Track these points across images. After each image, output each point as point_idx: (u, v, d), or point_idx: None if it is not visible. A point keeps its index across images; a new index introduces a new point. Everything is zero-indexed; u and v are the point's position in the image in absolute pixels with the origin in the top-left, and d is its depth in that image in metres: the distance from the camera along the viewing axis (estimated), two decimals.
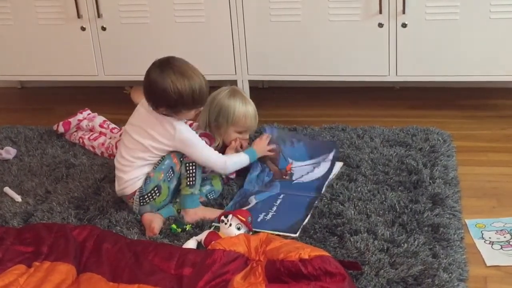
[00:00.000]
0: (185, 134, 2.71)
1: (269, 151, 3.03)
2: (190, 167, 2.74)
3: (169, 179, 2.73)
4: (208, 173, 2.92)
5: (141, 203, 2.75)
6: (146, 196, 2.73)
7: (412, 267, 2.31)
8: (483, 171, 3.01)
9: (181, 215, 2.75)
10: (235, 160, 2.86)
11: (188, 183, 2.75)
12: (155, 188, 2.72)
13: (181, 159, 2.73)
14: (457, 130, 3.37)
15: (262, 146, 2.97)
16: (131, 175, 2.75)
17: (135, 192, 2.75)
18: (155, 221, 2.67)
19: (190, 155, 2.73)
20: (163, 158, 2.73)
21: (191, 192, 2.75)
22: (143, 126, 2.73)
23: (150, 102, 2.71)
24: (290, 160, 3.05)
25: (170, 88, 2.64)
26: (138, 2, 3.66)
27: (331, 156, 3.03)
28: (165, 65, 2.69)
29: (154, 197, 2.74)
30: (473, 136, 3.34)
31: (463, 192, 2.82)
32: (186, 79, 2.67)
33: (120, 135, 3.36)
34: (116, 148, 3.28)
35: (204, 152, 2.75)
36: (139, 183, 2.74)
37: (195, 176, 2.74)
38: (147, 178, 2.73)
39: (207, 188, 2.87)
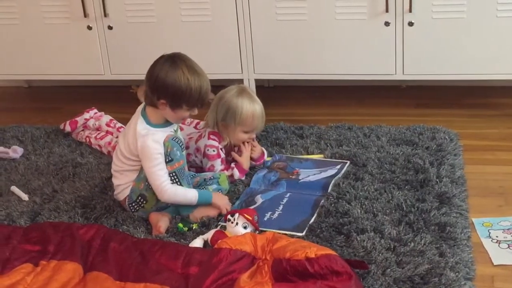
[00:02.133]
0: (147, 143, 2.66)
1: (279, 166, 3.07)
2: (173, 177, 2.71)
3: (150, 187, 2.71)
4: (215, 172, 2.93)
5: (132, 210, 2.77)
6: (134, 204, 2.75)
7: (419, 266, 2.30)
8: (490, 169, 3.01)
9: (187, 215, 2.75)
10: (179, 193, 2.70)
11: None
12: (139, 197, 2.74)
13: None
14: (464, 128, 3.36)
15: (221, 199, 2.78)
16: (119, 181, 2.79)
17: (125, 199, 2.78)
18: (161, 220, 2.67)
19: (143, 166, 2.69)
20: (141, 167, 2.73)
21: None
22: (126, 129, 2.78)
23: (152, 93, 2.69)
24: (297, 169, 3.06)
25: (180, 79, 2.63)
26: (144, 1, 3.66)
27: (339, 166, 3.03)
28: (177, 58, 2.69)
29: (142, 204, 2.75)
30: (480, 135, 3.33)
31: (470, 191, 2.82)
32: (197, 75, 2.67)
33: None
34: None
35: (154, 169, 2.66)
36: (127, 191, 2.77)
37: (180, 183, 2.72)
38: (132, 187, 2.75)
39: (213, 187, 2.86)
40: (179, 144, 2.70)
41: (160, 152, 2.66)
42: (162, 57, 2.72)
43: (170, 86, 2.64)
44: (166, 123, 2.74)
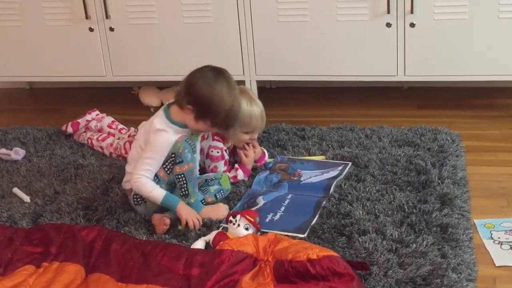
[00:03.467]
0: (158, 138, 2.69)
1: (280, 168, 3.08)
2: (181, 178, 2.71)
3: (159, 184, 2.72)
4: (217, 173, 2.93)
5: (135, 202, 2.77)
6: (139, 196, 2.75)
7: (421, 267, 2.30)
8: (492, 171, 3.01)
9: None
10: (145, 188, 2.68)
11: (182, 193, 2.73)
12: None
13: (166, 170, 2.71)
14: (466, 130, 3.36)
15: (187, 212, 2.69)
16: (132, 169, 2.76)
17: (131, 190, 2.77)
18: (162, 216, 2.68)
19: (145, 147, 2.73)
20: None
21: (187, 202, 2.73)
22: (148, 122, 2.78)
23: (184, 95, 2.68)
24: (298, 170, 3.06)
25: (215, 94, 2.65)
26: (146, 2, 3.66)
27: (340, 167, 3.03)
28: (221, 74, 2.72)
29: (145, 200, 2.75)
30: (482, 136, 3.33)
31: (472, 192, 2.81)
32: (233, 97, 2.69)
33: (129, 136, 3.37)
34: (124, 148, 3.29)
35: (145, 160, 2.69)
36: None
37: (186, 186, 2.72)
38: None
39: (215, 187, 2.86)
40: (191, 146, 2.70)
41: (162, 154, 2.68)
42: (207, 66, 2.75)
43: (203, 96, 2.65)
44: (185, 124, 2.74)
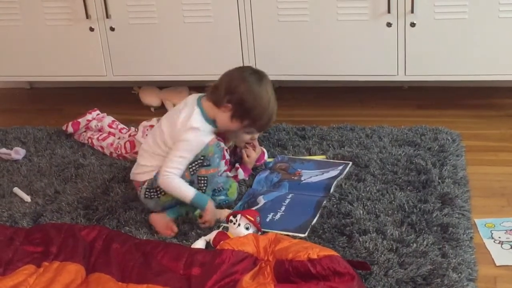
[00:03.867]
0: (192, 138, 2.65)
1: (281, 167, 3.07)
2: (202, 180, 2.70)
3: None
4: (227, 176, 2.93)
5: (146, 196, 2.74)
6: (152, 190, 2.72)
7: (421, 267, 2.30)
8: (493, 170, 3.01)
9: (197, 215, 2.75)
10: (174, 185, 2.65)
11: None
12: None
13: (191, 171, 2.69)
14: (466, 129, 3.36)
15: (213, 214, 2.69)
16: (146, 162, 2.73)
17: (145, 182, 2.73)
18: (168, 221, 2.68)
19: (175, 145, 2.66)
20: None
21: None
22: (174, 115, 2.73)
23: (224, 93, 2.67)
24: (299, 170, 3.06)
25: (262, 97, 2.69)
26: (146, 2, 3.66)
27: (341, 166, 3.03)
28: (264, 77, 2.75)
29: (159, 195, 2.72)
30: (482, 136, 3.33)
31: (472, 191, 2.81)
32: (274, 102, 2.76)
33: (129, 135, 3.37)
34: (125, 148, 3.29)
35: (176, 158, 2.64)
36: (149, 175, 2.72)
37: (205, 188, 2.71)
38: (158, 173, 2.69)
39: (221, 197, 2.83)
40: (220, 152, 2.72)
41: (194, 154, 2.66)
42: (248, 67, 2.81)
43: (248, 98, 2.67)
44: (215, 121, 2.73)
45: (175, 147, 2.66)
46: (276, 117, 2.80)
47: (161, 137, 2.72)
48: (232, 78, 2.70)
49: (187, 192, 2.66)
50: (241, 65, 3.66)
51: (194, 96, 2.78)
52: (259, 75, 2.73)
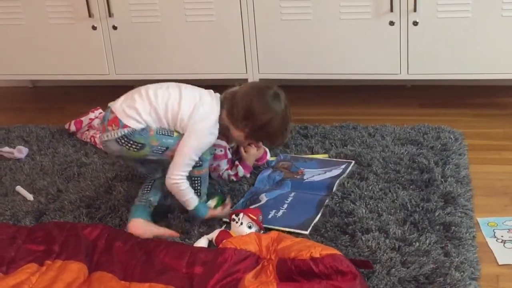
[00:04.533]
0: (200, 125, 2.62)
1: (283, 166, 3.08)
2: (196, 180, 2.69)
3: (155, 151, 2.62)
4: (220, 171, 2.94)
5: (118, 140, 2.61)
6: (128, 141, 2.61)
7: (424, 265, 2.30)
8: (495, 169, 3.00)
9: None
10: (181, 192, 2.63)
11: (194, 193, 2.69)
12: (140, 144, 2.61)
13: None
14: (469, 128, 3.36)
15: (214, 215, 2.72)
16: (142, 111, 2.61)
17: (126, 126, 2.60)
18: (161, 229, 2.67)
19: (184, 141, 2.60)
20: (170, 132, 2.63)
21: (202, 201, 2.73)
22: (201, 98, 2.67)
23: (241, 120, 2.67)
24: (301, 168, 3.06)
25: (283, 119, 2.69)
26: (149, 1, 3.66)
27: (343, 165, 3.03)
28: (281, 96, 2.72)
29: (131, 148, 2.62)
30: (485, 134, 3.33)
31: (475, 190, 2.81)
32: (289, 118, 2.74)
33: None
34: None
35: (188, 154, 2.60)
36: (137, 125, 2.60)
37: (200, 188, 2.71)
38: (144, 130, 2.60)
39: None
40: (211, 150, 2.73)
41: (204, 143, 2.64)
42: (267, 88, 2.73)
43: (268, 126, 2.67)
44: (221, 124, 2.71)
45: (187, 148, 2.61)
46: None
47: (174, 110, 2.62)
48: (252, 103, 2.65)
49: (192, 200, 2.66)
50: (244, 64, 3.66)
51: (217, 97, 2.73)
52: (278, 98, 2.70)
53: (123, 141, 2.62)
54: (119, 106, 2.65)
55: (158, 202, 2.77)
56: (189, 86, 2.75)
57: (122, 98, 2.71)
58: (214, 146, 2.94)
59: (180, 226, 2.68)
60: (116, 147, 2.65)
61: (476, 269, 2.30)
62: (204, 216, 2.68)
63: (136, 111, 2.62)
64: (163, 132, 2.63)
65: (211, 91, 2.76)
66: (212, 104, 2.68)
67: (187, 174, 2.63)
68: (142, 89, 2.71)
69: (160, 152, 2.64)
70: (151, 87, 2.70)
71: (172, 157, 2.63)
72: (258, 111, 2.65)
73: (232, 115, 2.68)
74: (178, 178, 2.61)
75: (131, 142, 2.62)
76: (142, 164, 2.80)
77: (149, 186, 2.78)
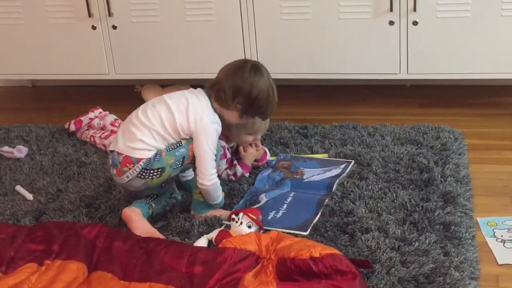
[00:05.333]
0: (201, 124, 2.65)
1: (283, 166, 3.08)
2: None
3: (175, 167, 2.66)
4: (227, 175, 2.97)
5: (139, 175, 2.64)
6: (149, 172, 2.63)
7: (424, 265, 2.30)
8: (495, 169, 3.00)
9: (192, 214, 2.75)
10: (217, 189, 2.71)
11: (200, 191, 2.72)
12: (160, 169, 2.64)
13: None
14: (469, 128, 3.36)
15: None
16: (146, 138, 2.63)
17: (141, 159, 2.62)
18: (154, 231, 2.66)
19: (197, 143, 2.63)
20: (178, 143, 2.65)
21: (203, 199, 2.73)
22: (188, 101, 2.69)
23: (231, 98, 2.69)
24: (301, 168, 3.06)
25: (268, 88, 2.76)
26: (149, 1, 3.66)
27: (343, 165, 3.03)
28: (262, 68, 2.80)
29: (154, 176, 2.65)
30: (485, 134, 3.33)
31: (475, 190, 2.81)
32: (275, 87, 2.81)
33: None
34: None
35: (210, 150, 2.65)
36: (147, 154, 2.63)
37: None
38: (157, 154, 2.63)
39: None
40: (219, 148, 2.76)
41: (216, 138, 2.70)
42: (244, 62, 2.80)
43: (259, 97, 2.72)
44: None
45: (201, 149, 2.64)
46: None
47: (170, 123, 2.65)
48: (236, 80, 2.71)
49: (220, 195, 2.75)
50: None
51: (199, 89, 2.78)
52: (258, 69, 2.76)
53: (144, 174, 2.64)
54: (123, 145, 2.66)
55: (158, 212, 2.77)
56: (172, 94, 2.78)
57: (119, 137, 2.70)
58: None
59: (180, 225, 2.68)
60: (139, 182, 2.67)
61: (475, 268, 2.30)
62: (222, 204, 2.76)
63: (141, 141, 2.64)
64: (173, 146, 2.66)
65: (192, 89, 2.80)
66: (200, 99, 2.71)
67: (216, 170, 2.69)
68: (133, 118, 2.72)
69: (180, 165, 2.67)
70: (139, 112, 2.72)
71: (190, 163, 2.69)
72: (245, 85, 2.70)
73: (221, 99, 2.70)
74: (212, 177, 2.67)
75: (152, 171, 2.64)
76: (162, 186, 2.81)
77: (154, 196, 2.79)
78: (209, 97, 2.73)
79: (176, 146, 2.66)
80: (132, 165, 2.64)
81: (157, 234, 2.62)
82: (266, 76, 2.77)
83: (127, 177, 2.66)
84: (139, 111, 2.73)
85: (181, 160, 2.66)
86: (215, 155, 2.68)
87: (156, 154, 2.64)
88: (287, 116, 3.62)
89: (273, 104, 2.81)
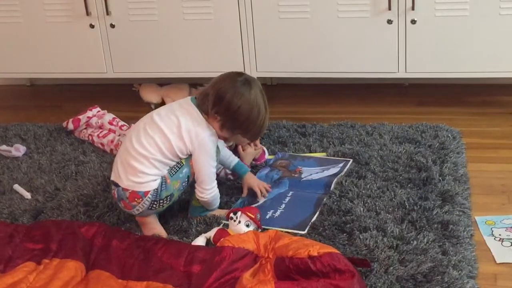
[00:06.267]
0: (197, 140, 2.58)
1: (281, 165, 3.07)
2: None
3: (182, 188, 2.64)
4: (225, 174, 2.96)
5: (150, 207, 2.61)
6: (160, 202, 2.60)
7: (422, 264, 2.30)
8: (493, 168, 3.00)
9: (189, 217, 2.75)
10: (215, 198, 2.69)
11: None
12: (168, 196, 2.62)
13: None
14: (467, 127, 3.36)
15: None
16: (148, 170, 2.56)
17: (148, 192, 2.59)
18: (160, 230, 2.66)
19: (196, 160, 2.60)
20: (179, 164, 2.61)
21: (200, 205, 2.72)
22: (179, 120, 2.59)
23: (213, 105, 2.57)
24: (299, 167, 3.05)
25: (253, 107, 2.58)
26: None
27: (341, 164, 3.03)
28: (254, 86, 2.61)
29: (164, 205, 2.63)
30: (483, 133, 3.33)
31: (473, 189, 2.81)
32: (266, 109, 2.63)
33: None
34: None
35: (209, 164, 2.61)
36: (154, 184, 2.58)
37: None
38: (163, 182, 2.59)
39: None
40: (219, 148, 2.72)
41: (214, 150, 2.63)
42: (238, 75, 2.64)
43: (238, 112, 2.57)
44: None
45: (200, 165, 2.60)
46: (268, 124, 2.71)
47: (167, 147, 2.57)
48: (221, 89, 2.59)
49: (218, 202, 2.73)
50: (242, 62, 3.66)
51: (186, 100, 2.69)
52: (248, 84, 2.60)
53: (154, 205, 2.61)
54: (126, 180, 2.59)
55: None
56: (161, 112, 2.68)
57: (120, 171, 2.62)
58: None
59: (178, 224, 2.68)
60: (151, 212, 2.64)
61: (474, 267, 2.30)
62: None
63: (143, 174, 2.57)
64: (175, 169, 2.61)
65: (180, 101, 2.71)
66: (190, 112, 2.62)
67: (215, 181, 2.66)
68: (129, 148, 2.60)
69: (186, 184, 2.65)
70: (133, 141, 2.61)
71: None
72: (227, 97, 2.57)
73: (205, 106, 2.61)
74: (212, 190, 2.64)
75: (161, 201, 2.61)
76: None
77: None
78: (197, 105, 2.63)
79: (178, 168, 2.61)
80: (140, 199, 2.59)
81: (163, 233, 2.64)
82: (254, 93, 2.58)
83: (138, 210, 2.62)
84: (133, 139, 2.60)
85: (187, 179, 2.64)
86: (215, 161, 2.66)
87: (161, 183, 2.60)
88: (285, 114, 3.62)
89: (257, 124, 2.62)
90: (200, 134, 2.58)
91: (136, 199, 2.59)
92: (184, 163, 2.61)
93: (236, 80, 2.60)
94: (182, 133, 2.58)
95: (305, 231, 2.58)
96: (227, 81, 2.61)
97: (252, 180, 2.87)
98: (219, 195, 2.71)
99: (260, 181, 2.88)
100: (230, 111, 2.57)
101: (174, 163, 2.61)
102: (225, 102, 2.56)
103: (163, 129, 2.58)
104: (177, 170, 2.61)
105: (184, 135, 2.58)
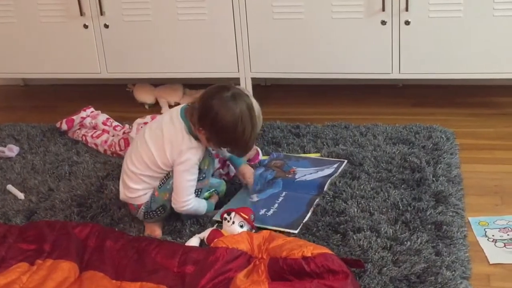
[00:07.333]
0: (176, 151, 2.56)
1: (276, 165, 3.06)
2: (197, 192, 2.66)
3: (171, 199, 2.65)
4: (219, 174, 2.96)
5: (145, 218, 2.68)
6: (152, 213, 2.67)
7: (415, 265, 2.30)
8: (487, 169, 3.01)
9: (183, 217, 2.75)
10: (196, 207, 2.64)
11: None
12: (160, 207, 2.65)
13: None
14: (460, 128, 3.37)
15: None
16: (138, 186, 2.64)
17: (141, 205, 2.66)
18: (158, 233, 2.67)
19: (175, 172, 2.58)
20: (167, 176, 2.62)
21: None
22: (157, 135, 2.61)
23: (199, 120, 2.52)
24: (294, 167, 3.05)
25: (237, 125, 2.50)
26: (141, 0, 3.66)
27: (336, 165, 3.03)
28: (240, 102, 2.52)
29: (160, 214, 2.67)
30: (477, 134, 3.33)
31: (466, 190, 2.82)
32: (254, 123, 2.55)
33: (123, 133, 3.36)
34: (119, 145, 3.28)
35: (190, 183, 2.60)
36: (145, 198, 2.65)
37: (200, 194, 2.69)
38: (152, 195, 2.64)
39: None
40: (213, 160, 2.73)
41: (195, 167, 2.60)
42: (227, 89, 2.54)
43: (222, 130, 2.51)
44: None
45: (178, 177, 2.58)
46: (256, 139, 2.70)
47: (153, 162, 2.60)
48: (206, 104, 2.52)
49: (203, 208, 2.69)
50: (236, 63, 3.66)
51: (177, 110, 2.66)
52: (235, 100, 2.52)
53: (148, 216, 2.68)
54: (123, 195, 2.71)
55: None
56: (152, 124, 2.70)
57: (120, 185, 2.72)
58: None
59: (171, 225, 2.68)
60: (152, 220, 2.70)
61: (467, 268, 2.31)
62: (213, 209, 2.75)
63: (134, 189, 2.66)
64: (162, 182, 2.65)
65: (171, 111, 2.70)
66: (175, 125, 2.60)
67: (193, 194, 2.63)
68: (125, 166, 2.69)
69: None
70: (127, 157, 2.69)
71: None
72: (211, 113, 2.50)
73: (192, 117, 2.57)
74: (185, 204, 2.62)
75: (154, 212, 2.67)
76: None
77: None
78: (185, 117, 2.60)
79: (166, 179, 2.64)
80: (135, 211, 2.70)
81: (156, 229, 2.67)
82: (240, 110, 2.49)
83: (140, 217, 2.72)
84: (127, 156, 2.69)
85: (152, 198, 2.67)
86: (205, 172, 2.65)
87: (151, 195, 2.66)
88: (279, 115, 3.62)
89: (242, 141, 2.55)
90: (179, 146, 2.58)
91: (132, 210, 2.72)
92: (171, 174, 2.62)
93: (223, 95, 2.52)
94: (164, 146, 2.59)
95: (297, 231, 2.58)
96: (214, 95, 2.54)
97: (247, 170, 2.91)
98: (200, 204, 2.67)
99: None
100: (214, 127, 2.52)
101: (163, 175, 2.64)
102: (210, 118, 2.51)
103: (148, 143, 2.63)
104: (165, 182, 2.64)
105: (166, 147, 2.59)
